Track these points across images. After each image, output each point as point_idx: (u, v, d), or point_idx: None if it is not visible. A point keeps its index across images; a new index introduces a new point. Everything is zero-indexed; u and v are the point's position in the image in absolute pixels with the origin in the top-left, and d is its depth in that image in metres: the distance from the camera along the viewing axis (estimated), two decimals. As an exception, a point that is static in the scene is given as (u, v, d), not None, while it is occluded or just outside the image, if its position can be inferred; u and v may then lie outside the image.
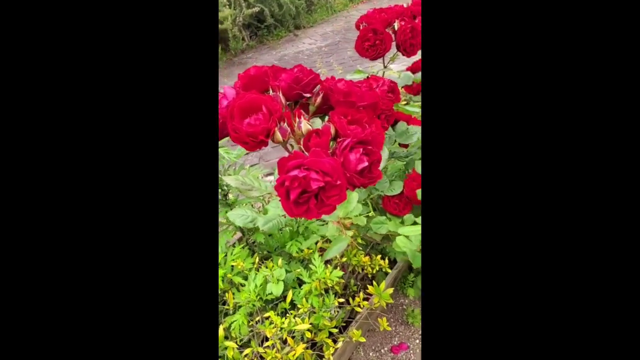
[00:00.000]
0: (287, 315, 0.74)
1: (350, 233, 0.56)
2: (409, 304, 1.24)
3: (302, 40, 3.85)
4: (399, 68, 1.55)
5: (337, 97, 0.39)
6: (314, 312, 0.79)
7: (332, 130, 0.36)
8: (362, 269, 1.09)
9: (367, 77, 0.71)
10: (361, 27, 0.70)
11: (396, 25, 0.71)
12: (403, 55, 0.70)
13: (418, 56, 0.95)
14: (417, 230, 0.56)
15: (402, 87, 1.07)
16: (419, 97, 1.11)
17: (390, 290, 0.97)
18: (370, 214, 0.67)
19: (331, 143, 0.37)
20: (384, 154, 0.64)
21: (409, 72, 1.03)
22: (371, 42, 0.67)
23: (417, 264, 0.56)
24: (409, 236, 0.60)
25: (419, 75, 1.00)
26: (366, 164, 0.33)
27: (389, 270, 1.08)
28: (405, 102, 1.18)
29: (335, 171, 0.32)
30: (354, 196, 0.66)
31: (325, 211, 0.33)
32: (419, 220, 0.67)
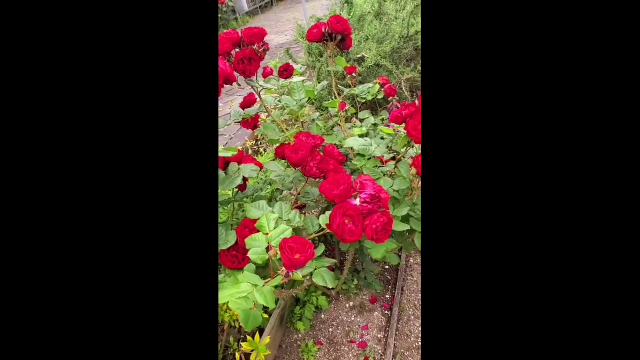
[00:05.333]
0: None
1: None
2: (302, 338, 1.20)
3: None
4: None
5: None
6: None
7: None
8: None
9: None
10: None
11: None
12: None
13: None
14: (242, 291, 0.51)
15: (239, 122, 1.04)
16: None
17: (267, 341, 0.90)
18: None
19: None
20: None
21: (239, 109, 1.00)
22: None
23: (249, 326, 0.51)
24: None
25: (248, 110, 0.98)
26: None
27: (266, 317, 1.01)
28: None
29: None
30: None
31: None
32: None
